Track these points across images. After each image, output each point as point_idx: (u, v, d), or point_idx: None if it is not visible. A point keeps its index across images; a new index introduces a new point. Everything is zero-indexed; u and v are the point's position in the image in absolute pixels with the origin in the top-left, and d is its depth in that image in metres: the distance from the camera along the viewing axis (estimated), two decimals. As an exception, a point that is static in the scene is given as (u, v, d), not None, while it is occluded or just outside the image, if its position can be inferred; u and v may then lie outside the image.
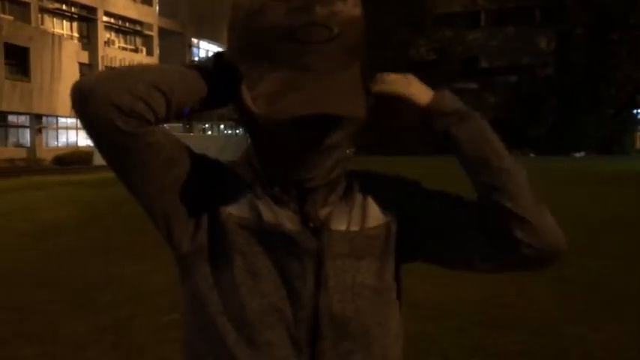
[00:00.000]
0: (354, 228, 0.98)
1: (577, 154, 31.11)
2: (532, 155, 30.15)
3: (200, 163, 0.98)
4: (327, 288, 0.94)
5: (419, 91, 0.98)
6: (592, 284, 5.54)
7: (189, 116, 0.96)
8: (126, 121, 0.85)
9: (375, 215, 1.01)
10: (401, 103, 0.97)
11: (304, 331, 0.93)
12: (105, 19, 38.86)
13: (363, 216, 1.00)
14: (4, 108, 30.61)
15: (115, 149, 0.89)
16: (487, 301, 5.00)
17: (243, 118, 0.95)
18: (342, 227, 0.97)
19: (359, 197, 1.02)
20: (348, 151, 1.02)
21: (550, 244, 0.93)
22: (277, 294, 0.93)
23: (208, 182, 0.98)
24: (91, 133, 0.88)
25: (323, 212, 0.97)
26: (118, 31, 41.15)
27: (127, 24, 41.49)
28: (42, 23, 34.46)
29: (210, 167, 1.00)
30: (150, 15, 43.50)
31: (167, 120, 0.90)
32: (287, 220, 0.95)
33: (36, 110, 32.53)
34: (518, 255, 0.93)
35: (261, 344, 0.92)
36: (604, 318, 4.53)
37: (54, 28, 35.49)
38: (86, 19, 37.77)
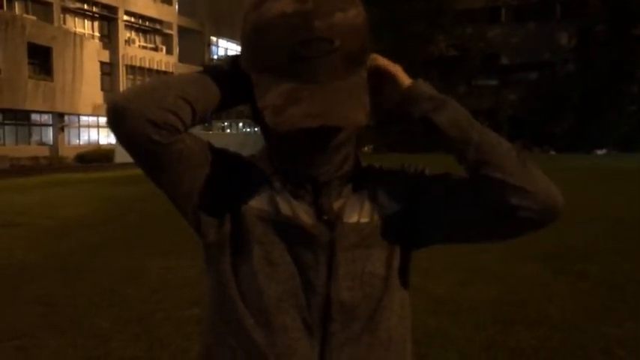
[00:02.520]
0: (365, 219, 1.04)
1: (599, 152, 30.68)
2: (553, 153, 29.80)
3: (223, 158, 1.06)
4: (338, 277, 1.00)
5: (402, 76, 1.03)
6: (612, 281, 5.48)
7: (210, 119, 1.04)
8: (159, 132, 0.93)
9: (385, 207, 1.07)
10: (386, 83, 1.03)
11: (316, 316, 1.00)
12: (125, 18, 39.22)
13: (374, 208, 1.06)
14: (28, 107, 31.08)
15: (149, 158, 0.97)
16: (504, 298, 4.98)
17: (258, 119, 1.01)
18: (354, 219, 1.03)
19: (370, 189, 1.07)
20: (366, 148, 1.07)
21: (546, 202, 0.95)
22: (292, 282, 1.00)
23: (231, 176, 1.05)
24: (127, 146, 0.96)
25: (337, 204, 1.04)
26: (139, 30, 41.51)
27: (147, 23, 41.81)
28: (64, 23, 34.86)
29: (232, 162, 1.08)
30: (169, 14, 43.80)
31: (192, 126, 0.98)
32: (303, 213, 1.02)
33: (58, 109, 32.96)
34: (519, 220, 0.96)
35: (277, 328, 0.99)
36: (624, 315, 4.50)
37: (75, 27, 35.89)
38: (107, 19, 38.16)
